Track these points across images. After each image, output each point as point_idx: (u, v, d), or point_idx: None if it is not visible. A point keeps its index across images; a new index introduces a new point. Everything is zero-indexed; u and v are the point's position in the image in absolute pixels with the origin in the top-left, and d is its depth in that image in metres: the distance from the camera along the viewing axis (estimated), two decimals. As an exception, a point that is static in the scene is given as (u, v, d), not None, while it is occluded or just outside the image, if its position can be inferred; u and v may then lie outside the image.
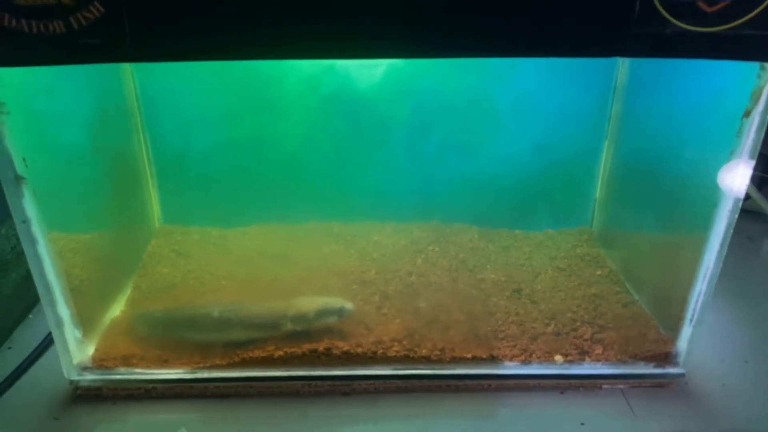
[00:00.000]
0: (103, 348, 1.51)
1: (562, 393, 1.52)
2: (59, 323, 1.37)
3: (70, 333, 1.41)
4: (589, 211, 2.14)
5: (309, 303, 1.54)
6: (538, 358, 1.52)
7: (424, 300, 1.70)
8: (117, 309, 1.69)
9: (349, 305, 1.56)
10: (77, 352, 1.45)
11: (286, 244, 2.05)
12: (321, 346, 1.50)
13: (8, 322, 1.72)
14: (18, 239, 1.27)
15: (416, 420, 1.43)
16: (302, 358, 1.49)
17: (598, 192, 2.09)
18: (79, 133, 1.62)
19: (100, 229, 1.72)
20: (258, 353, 1.49)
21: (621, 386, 1.53)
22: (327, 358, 1.49)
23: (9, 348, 1.66)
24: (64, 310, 1.37)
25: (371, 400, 1.48)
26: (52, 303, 1.34)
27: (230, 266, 1.89)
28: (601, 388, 1.53)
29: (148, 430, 1.40)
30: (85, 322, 1.47)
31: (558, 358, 1.53)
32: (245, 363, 1.48)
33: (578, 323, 1.63)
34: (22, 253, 1.30)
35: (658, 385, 1.54)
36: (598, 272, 1.87)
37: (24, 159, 1.17)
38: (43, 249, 1.26)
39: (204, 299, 1.71)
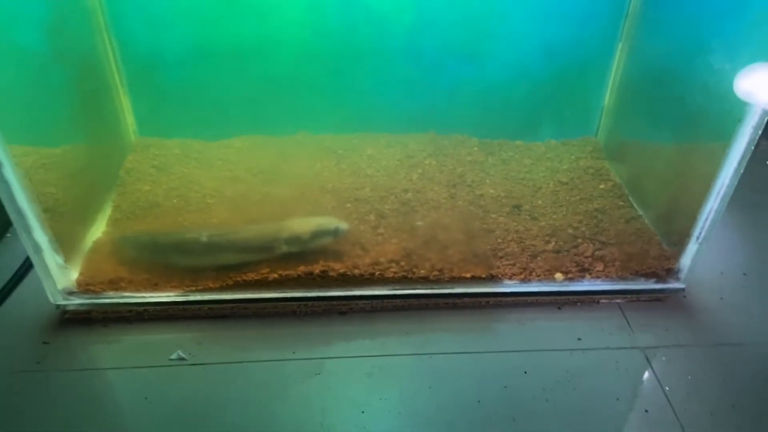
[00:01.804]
0: (87, 272, 1.47)
1: (559, 308, 1.53)
2: (37, 249, 1.31)
3: (51, 259, 1.35)
4: (595, 120, 2.04)
5: (303, 224, 1.49)
6: (538, 276, 1.51)
7: (421, 218, 1.65)
8: (98, 230, 1.62)
9: (344, 225, 1.51)
10: (60, 277, 1.40)
11: (274, 158, 1.95)
12: (317, 269, 1.47)
13: (-16, 244, 1.66)
14: (-18, 155, 1.17)
15: (414, 335, 1.45)
16: (297, 281, 1.46)
17: (607, 99, 1.97)
18: (36, 36, 1.45)
19: (69, 142, 1.60)
20: (251, 276, 1.46)
21: (619, 300, 1.55)
22: (323, 280, 1.47)
23: (-11, 270, 1.63)
24: (41, 236, 1.30)
25: (369, 319, 1.49)
26: (27, 229, 1.27)
27: (215, 183, 1.80)
28: (598, 302, 1.54)
29: (143, 350, 1.40)
30: (66, 244, 1.41)
31: (558, 276, 1.52)
32: (238, 286, 1.46)
33: (579, 240, 1.60)
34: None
35: (656, 299, 1.56)
36: (602, 186, 1.82)
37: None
38: (9, 172, 1.16)
39: (190, 219, 1.65)
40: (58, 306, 1.43)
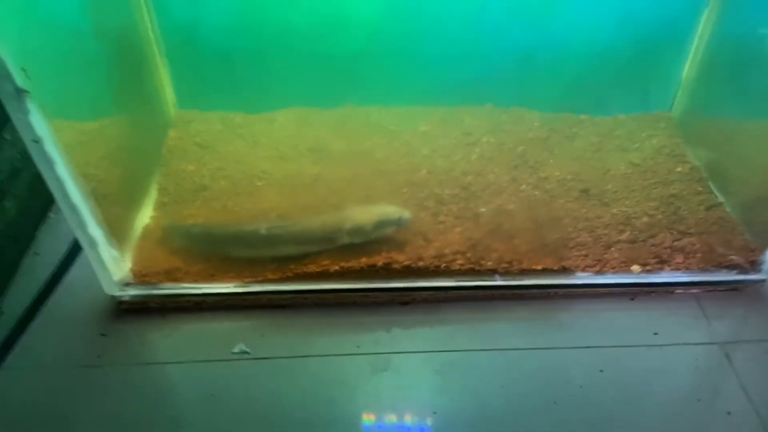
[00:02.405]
0: (141, 261, 1.42)
1: (632, 299, 1.46)
2: (92, 244, 1.26)
3: (106, 252, 1.31)
4: (670, 93, 1.88)
5: (366, 214, 1.41)
6: (613, 268, 1.43)
7: (484, 204, 1.56)
8: (146, 215, 1.56)
9: (407, 214, 1.44)
10: (115, 269, 1.35)
11: (321, 134, 1.86)
12: (379, 261, 1.40)
13: (28, 224, 1.62)
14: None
15: (482, 329, 1.39)
16: (360, 273, 1.41)
17: (686, 71, 1.81)
18: (73, 10, 1.36)
19: (107, 114, 1.51)
20: (312, 268, 1.40)
21: (694, 291, 1.47)
22: (386, 272, 1.42)
23: (36, 254, 1.57)
24: (96, 231, 1.24)
25: (433, 310, 1.43)
26: (82, 225, 1.21)
27: (263, 163, 1.72)
28: (673, 293, 1.47)
29: (204, 341, 1.37)
30: (115, 231, 1.36)
31: (635, 268, 1.44)
32: (299, 277, 1.40)
33: (656, 229, 1.51)
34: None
35: (733, 288, 1.48)
36: (678, 169, 1.69)
37: (24, 70, 0.95)
38: (63, 169, 1.10)
39: (240, 204, 1.58)
40: (113, 297, 1.41)
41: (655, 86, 1.87)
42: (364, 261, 1.40)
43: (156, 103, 1.85)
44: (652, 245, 1.47)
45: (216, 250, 1.47)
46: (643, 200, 1.57)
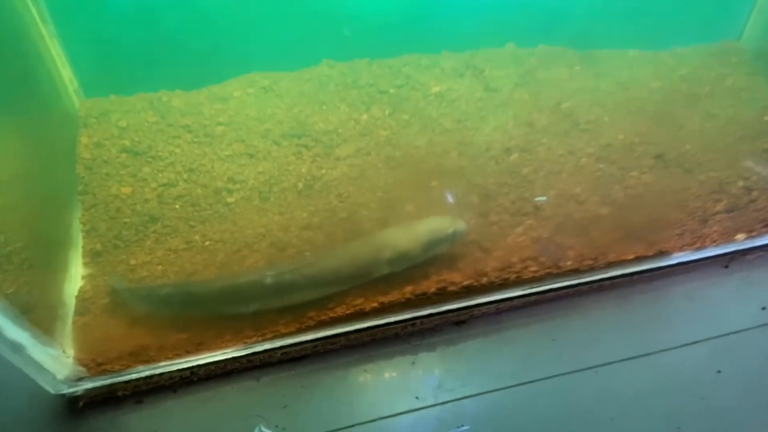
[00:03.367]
0: (90, 346, 0.98)
1: (726, 266, 1.19)
2: (16, 348, 0.83)
3: (40, 353, 0.88)
4: (739, 19, 1.53)
5: (410, 236, 1.05)
6: (714, 241, 1.16)
7: (542, 191, 1.21)
8: (75, 275, 1.09)
9: (461, 225, 1.09)
10: (57, 366, 0.93)
11: (297, 109, 1.41)
12: (431, 287, 1.05)
13: None
14: None
15: (563, 341, 1.08)
16: (404, 304, 1.06)
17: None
18: None
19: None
20: (341, 311, 1.03)
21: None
22: (439, 296, 1.07)
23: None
24: (18, 334, 0.82)
25: (495, 325, 1.11)
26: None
27: (226, 165, 1.26)
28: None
29: (204, 424, 0.98)
30: (36, 308, 0.94)
31: (740, 236, 1.17)
32: (323, 324, 1.03)
33: (755, 192, 1.22)
34: None
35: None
36: (767, 117, 1.39)
37: None
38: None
39: (211, 234, 1.12)
40: (63, 395, 0.99)
41: (720, 10, 1.52)
42: (409, 290, 1.05)
43: (50, 95, 1.30)
44: (755, 210, 1.19)
45: (199, 312, 1.06)
46: (733, 160, 1.28)
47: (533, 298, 1.13)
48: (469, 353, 1.07)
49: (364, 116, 1.39)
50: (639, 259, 1.13)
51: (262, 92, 1.46)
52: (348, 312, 1.04)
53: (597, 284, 1.15)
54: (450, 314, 1.10)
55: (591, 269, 1.12)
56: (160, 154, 1.28)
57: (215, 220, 1.17)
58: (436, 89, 1.41)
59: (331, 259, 1.06)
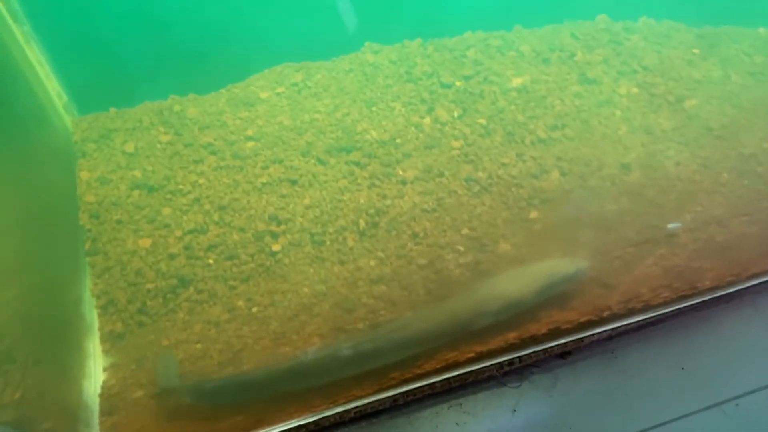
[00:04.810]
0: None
1: None
2: None
3: None
4: None
5: (522, 282, 0.88)
6: None
7: (674, 215, 0.96)
8: (95, 366, 0.86)
9: (583, 264, 0.91)
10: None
11: (343, 112, 1.14)
12: (541, 330, 0.86)
13: None
14: None
15: (694, 368, 0.89)
16: (506, 349, 0.87)
17: None
18: None
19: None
20: (429, 366, 0.85)
21: None
22: (550, 336, 0.87)
23: None
24: None
25: (608, 354, 0.92)
26: None
27: (269, 199, 0.99)
28: None
29: None
30: (52, 412, 0.74)
31: None
32: (407, 381, 0.85)
33: None
34: None
35: None
36: None
37: None
38: None
39: (266, 300, 0.89)
40: None
41: None
42: (513, 336, 0.86)
43: (33, 116, 1.03)
44: None
45: (260, 396, 0.87)
46: None
47: (653, 318, 0.93)
48: (579, 392, 0.89)
49: (427, 120, 1.13)
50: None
51: (294, 91, 1.20)
52: (438, 366, 0.87)
53: (728, 295, 0.95)
54: (554, 347, 0.91)
55: (730, 284, 0.94)
56: (181, 187, 1.04)
57: (261, 277, 0.95)
58: (517, 82, 1.14)
59: (425, 318, 0.88)
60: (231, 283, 0.94)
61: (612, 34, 1.20)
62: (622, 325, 0.93)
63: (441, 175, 1.05)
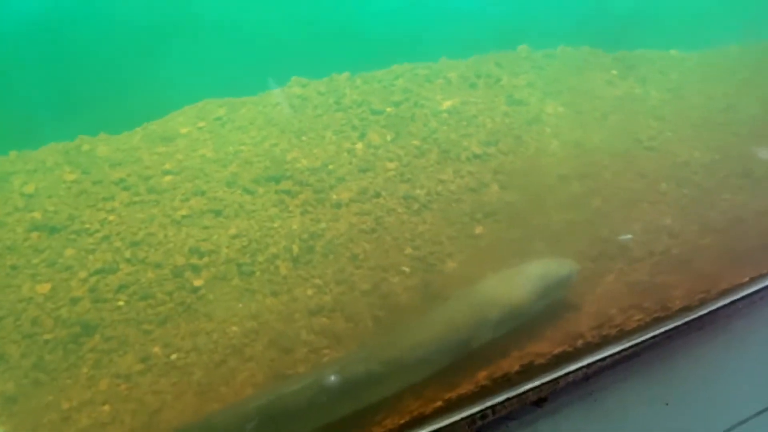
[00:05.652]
0: None
1: None
2: None
3: None
4: None
5: (517, 285, 0.81)
6: None
7: (623, 225, 0.93)
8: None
9: (574, 266, 0.85)
10: None
11: (271, 143, 1.07)
12: (513, 366, 0.77)
13: None
14: None
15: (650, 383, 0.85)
16: (478, 394, 0.76)
17: None
18: None
19: None
20: (391, 423, 0.72)
21: None
22: (522, 375, 0.78)
23: None
24: None
25: (582, 390, 0.83)
26: None
27: (189, 232, 0.90)
28: None
29: None
30: None
31: None
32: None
33: None
34: None
35: None
36: None
37: None
38: None
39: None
40: None
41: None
42: (483, 376, 0.77)
43: None
44: None
45: None
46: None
47: (629, 350, 0.86)
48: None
49: (359, 145, 1.09)
50: (757, 279, 0.91)
51: (217, 125, 1.14)
52: (402, 422, 0.75)
53: (707, 317, 0.90)
54: (529, 393, 0.81)
55: (702, 303, 0.89)
56: (87, 226, 0.92)
57: (181, 318, 0.83)
58: (447, 104, 1.13)
59: (417, 331, 0.78)
60: (145, 326, 0.82)
61: (533, 61, 1.24)
62: (597, 361, 0.84)
63: (377, 195, 0.99)
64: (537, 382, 0.82)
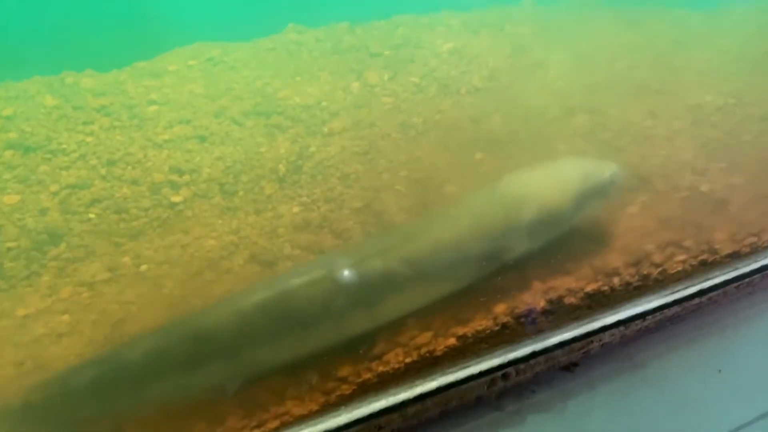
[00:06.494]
0: None
1: None
2: None
3: None
4: None
5: (554, 183, 0.67)
6: None
7: (639, 158, 0.86)
8: None
9: (615, 167, 0.72)
10: None
11: (264, 82, 1.03)
12: (538, 303, 0.66)
13: None
14: None
15: (700, 348, 0.74)
16: (495, 337, 0.66)
17: None
18: None
19: None
20: (394, 359, 0.62)
21: None
22: (551, 318, 0.68)
23: None
24: None
25: (620, 355, 0.74)
26: None
27: (170, 154, 0.85)
28: None
29: None
30: None
31: None
32: (364, 390, 0.62)
33: None
34: None
35: None
36: None
37: None
38: None
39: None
40: None
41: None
42: (502, 310, 0.65)
43: None
44: None
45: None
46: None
47: (673, 309, 0.75)
48: (596, 416, 0.67)
49: (356, 84, 1.05)
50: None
51: (209, 65, 1.09)
52: (407, 361, 0.64)
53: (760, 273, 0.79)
54: (558, 352, 0.69)
55: (754, 251, 0.78)
56: (64, 146, 0.87)
57: (155, 232, 0.77)
58: (448, 46, 1.09)
59: (442, 224, 0.65)
60: (116, 239, 0.76)
61: (538, 14, 1.21)
62: (637, 317, 0.71)
63: (372, 125, 0.94)
64: (567, 335, 0.69)
